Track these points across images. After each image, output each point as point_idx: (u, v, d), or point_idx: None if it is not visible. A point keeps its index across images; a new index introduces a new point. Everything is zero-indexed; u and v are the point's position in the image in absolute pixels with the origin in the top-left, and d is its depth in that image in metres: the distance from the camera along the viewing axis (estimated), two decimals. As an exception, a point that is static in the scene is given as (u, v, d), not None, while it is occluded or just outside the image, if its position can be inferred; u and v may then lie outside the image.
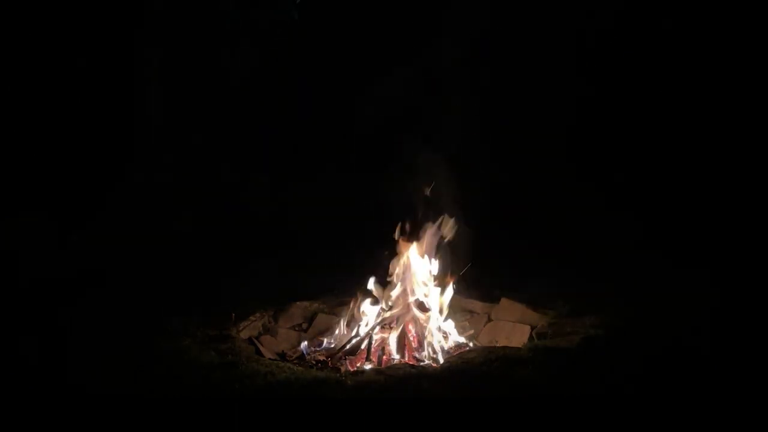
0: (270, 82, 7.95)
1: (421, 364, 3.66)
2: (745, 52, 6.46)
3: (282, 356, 3.94)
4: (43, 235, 5.83)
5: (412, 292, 4.12)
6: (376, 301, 4.16)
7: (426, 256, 4.23)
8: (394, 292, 4.12)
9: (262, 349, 3.84)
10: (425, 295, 4.14)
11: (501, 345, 3.88)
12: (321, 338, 4.21)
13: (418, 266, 4.20)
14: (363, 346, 3.88)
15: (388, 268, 4.22)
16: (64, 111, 6.93)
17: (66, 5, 6.85)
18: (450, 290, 4.17)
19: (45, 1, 6.78)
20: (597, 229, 5.89)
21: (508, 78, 7.30)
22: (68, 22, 6.91)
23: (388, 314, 4.03)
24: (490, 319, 4.40)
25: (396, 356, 3.81)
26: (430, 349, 3.88)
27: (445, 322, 4.15)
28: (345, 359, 3.84)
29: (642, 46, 7.02)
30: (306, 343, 4.09)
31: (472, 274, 4.54)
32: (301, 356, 3.95)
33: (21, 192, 6.28)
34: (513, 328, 4.19)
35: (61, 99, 6.92)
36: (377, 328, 3.98)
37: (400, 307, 4.04)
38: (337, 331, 4.17)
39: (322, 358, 3.89)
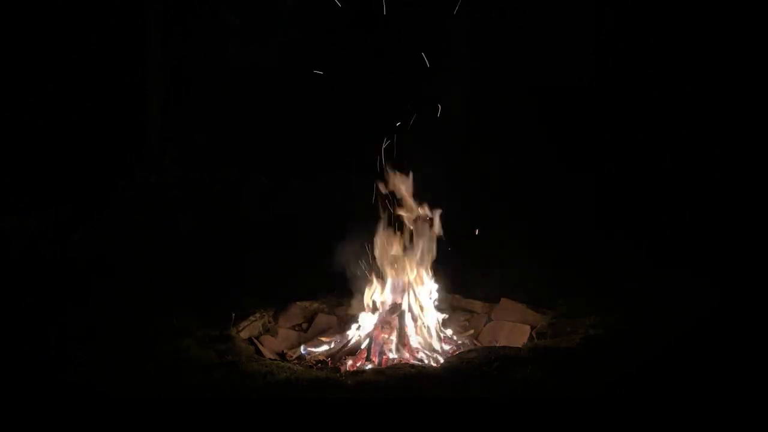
0: (272, 82, 7.95)
1: (421, 364, 3.66)
2: (746, 54, 6.46)
3: (282, 356, 3.95)
4: (46, 234, 5.84)
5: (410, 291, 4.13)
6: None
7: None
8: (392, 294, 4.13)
9: (262, 349, 3.84)
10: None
11: (501, 345, 3.88)
12: (321, 338, 4.22)
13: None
14: (363, 346, 3.88)
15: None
16: (68, 111, 6.95)
17: (75, 8, 6.87)
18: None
19: (55, 4, 6.80)
20: (598, 230, 5.89)
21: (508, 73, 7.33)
22: (76, 24, 6.93)
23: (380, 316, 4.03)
24: (490, 319, 4.40)
25: (396, 356, 3.81)
26: (430, 349, 3.89)
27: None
28: (345, 359, 3.84)
29: (645, 46, 7.03)
30: (306, 345, 4.10)
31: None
32: (301, 356, 3.95)
33: (24, 191, 6.30)
34: (513, 328, 4.19)
35: (65, 100, 6.94)
36: (377, 328, 3.98)
37: (399, 306, 4.04)
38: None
39: (322, 358, 3.89)
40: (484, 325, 4.37)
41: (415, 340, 3.93)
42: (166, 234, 5.99)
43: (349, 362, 3.80)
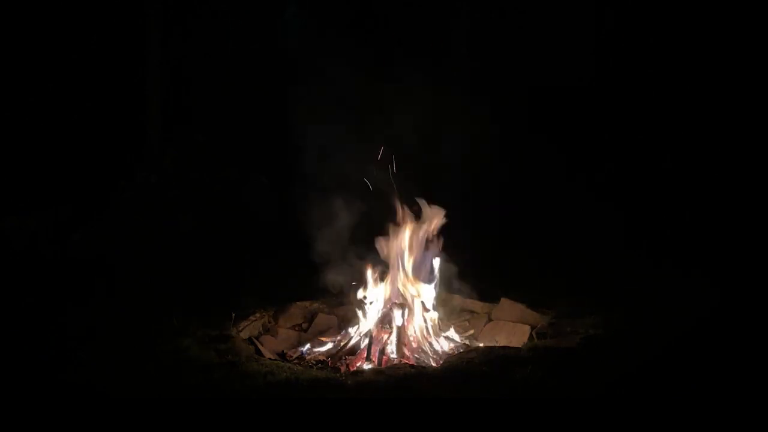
0: (271, 81, 7.94)
1: (421, 364, 3.66)
2: (746, 54, 6.46)
3: (282, 356, 3.94)
4: (46, 234, 5.84)
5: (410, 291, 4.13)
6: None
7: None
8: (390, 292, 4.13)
9: (262, 349, 3.84)
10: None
11: (501, 345, 3.88)
12: (321, 338, 4.22)
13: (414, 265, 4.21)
14: (363, 346, 3.88)
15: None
16: (68, 111, 6.95)
17: (75, 8, 6.87)
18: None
19: (55, 4, 6.80)
20: (598, 230, 5.89)
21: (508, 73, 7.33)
22: (76, 24, 6.93)
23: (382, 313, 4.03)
24: (490, 319, 4.40)
25: (396, 356, 3.80)
26: (429, 349, 3.89)
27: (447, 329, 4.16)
28: (345, 359, 3.84)
29: (642, 46, 7.03)
30: (308, 345, 4.11)
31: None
32: (301, 356, 3.95)
33: (24, 191, 6.29)
34: (513, 328, 4.19)
35: (65, 100, 6.93)
36: (376, 328, 3.98)
37: (399, 307, 4.04)
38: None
39: (322, 358, 3.89)
40: (484, 325, 4.37)
41: (415, 340, 3.93)
42: (166, 234, 5.99)
43: (349, 362, 3.80)
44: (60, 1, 7.01)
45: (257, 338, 4.06)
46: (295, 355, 3.97)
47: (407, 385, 3.14)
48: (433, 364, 3.65)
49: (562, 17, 7.34)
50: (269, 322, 4.37)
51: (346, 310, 4.45)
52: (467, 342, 4.16)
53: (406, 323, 3.97)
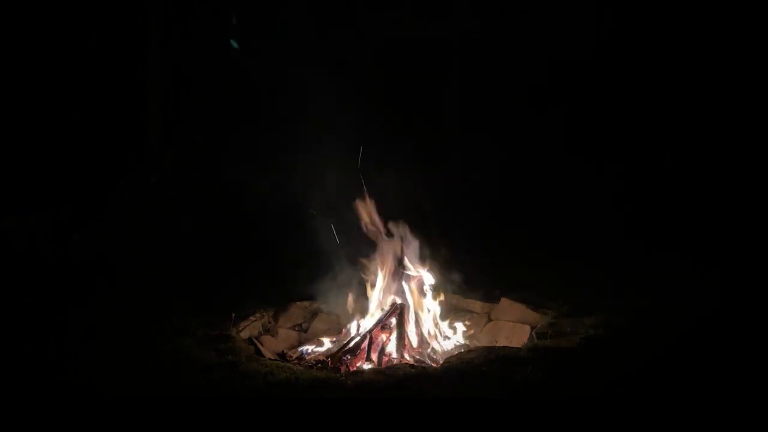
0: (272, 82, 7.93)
1: (421, 364, 3.66)
2: (746, 53, 6.46)
3: (282, 356, 3.95)
4: (46, 234, 5.84)
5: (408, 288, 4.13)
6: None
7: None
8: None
9: (262, 349, 3.84)
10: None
11: (501, 345, 3.88)
12: (321, 338, 4.22)
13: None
14: (363, 346, 3.88)
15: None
16: (68, 111, 6.94)
17: (75, 8, 6.87)
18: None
19: (55, 4, 6.81)
20: (598, 230, 5.89)
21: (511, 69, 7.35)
22: (76, 24, 6.93)
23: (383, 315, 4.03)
24: (490, 319, 4.40)
25: (396, 356, 3.81)
26: (430, 349, 3.89)
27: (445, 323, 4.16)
28: (345, 359, 3.84)
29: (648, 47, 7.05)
30: (306, 345, 4.11)
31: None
32: (301, 356, 3.95)
33: (24, 191, 6.29)
34: (513, 328, 4.19)
35: (65, 100, 6.93)
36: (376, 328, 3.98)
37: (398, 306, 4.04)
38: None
39: (322, 358, 3.89)
40: (484, 325, 4.37)
41: (415, 340, 3.93)
42: (166, 234, 5.99)
43: (349, 362, 3.80)
44: (60, 1, 7.01)
45: (257, 338, 4.06)
46: (295, 355, 3.97)
47: (407, 385, 3.15)
48: (433, 364, 3.65)
49: (562, 17, 7.34)
50: (269, 322, 4.37)
51: (346, 310, 4.45)
52: (467, 342, 4.16)
53: (406, 323, 3.97)
